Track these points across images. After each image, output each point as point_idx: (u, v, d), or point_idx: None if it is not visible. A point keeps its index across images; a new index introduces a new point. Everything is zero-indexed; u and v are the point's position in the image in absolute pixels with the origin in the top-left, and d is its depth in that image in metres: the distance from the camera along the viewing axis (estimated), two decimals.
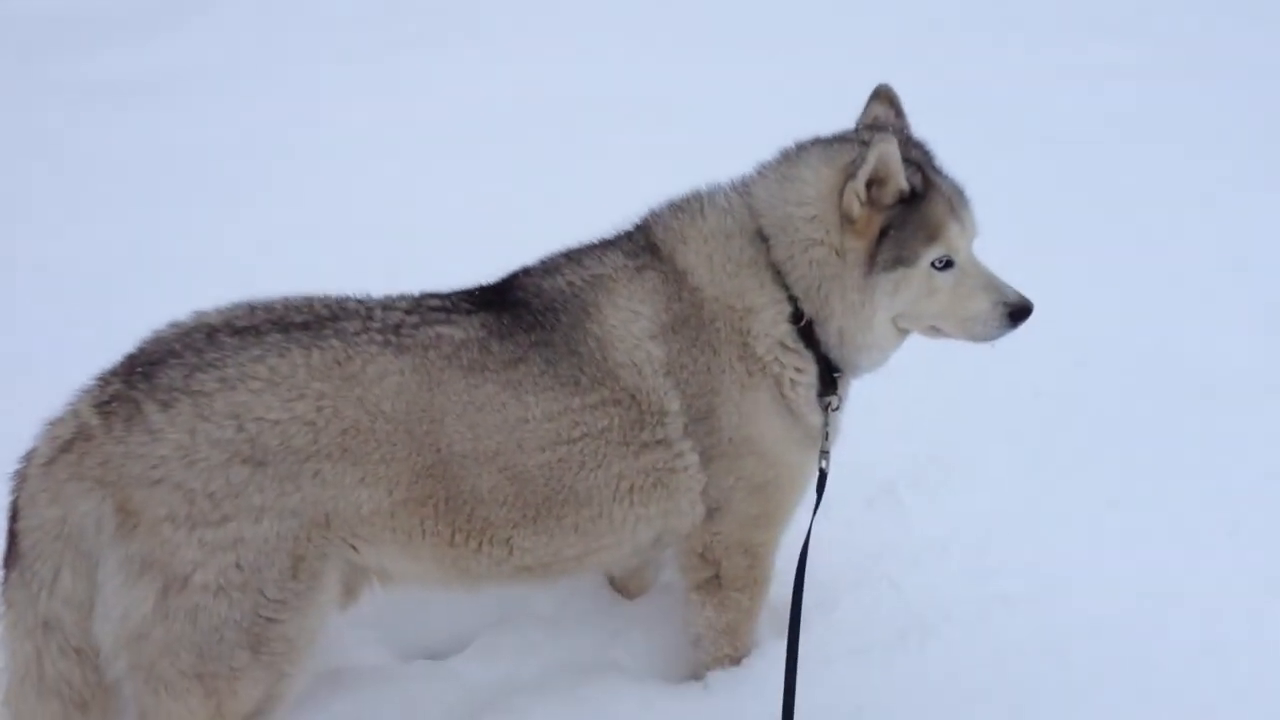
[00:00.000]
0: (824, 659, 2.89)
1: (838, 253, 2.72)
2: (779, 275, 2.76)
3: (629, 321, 2.68)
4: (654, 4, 9.57)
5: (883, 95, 2.97)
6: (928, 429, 3.94)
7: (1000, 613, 3.19)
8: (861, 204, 2.67)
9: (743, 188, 2.87)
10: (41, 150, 6.34)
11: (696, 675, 3.03)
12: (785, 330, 2.76)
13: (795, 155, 2.86)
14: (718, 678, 2.96)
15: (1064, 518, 3.58)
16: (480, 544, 2.63)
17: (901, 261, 2.70)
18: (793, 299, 2.75)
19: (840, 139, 2.86)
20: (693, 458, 2.73)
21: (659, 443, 2.69)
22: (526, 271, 2.82)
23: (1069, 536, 3.50)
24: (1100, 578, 3.32)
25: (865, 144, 2.69)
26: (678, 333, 2.70)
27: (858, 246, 2.71)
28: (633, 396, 2.66)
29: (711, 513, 2.81)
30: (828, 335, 2.78)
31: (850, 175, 2.67)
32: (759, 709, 2.83)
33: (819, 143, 2.87)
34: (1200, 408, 4.11)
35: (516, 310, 2.68)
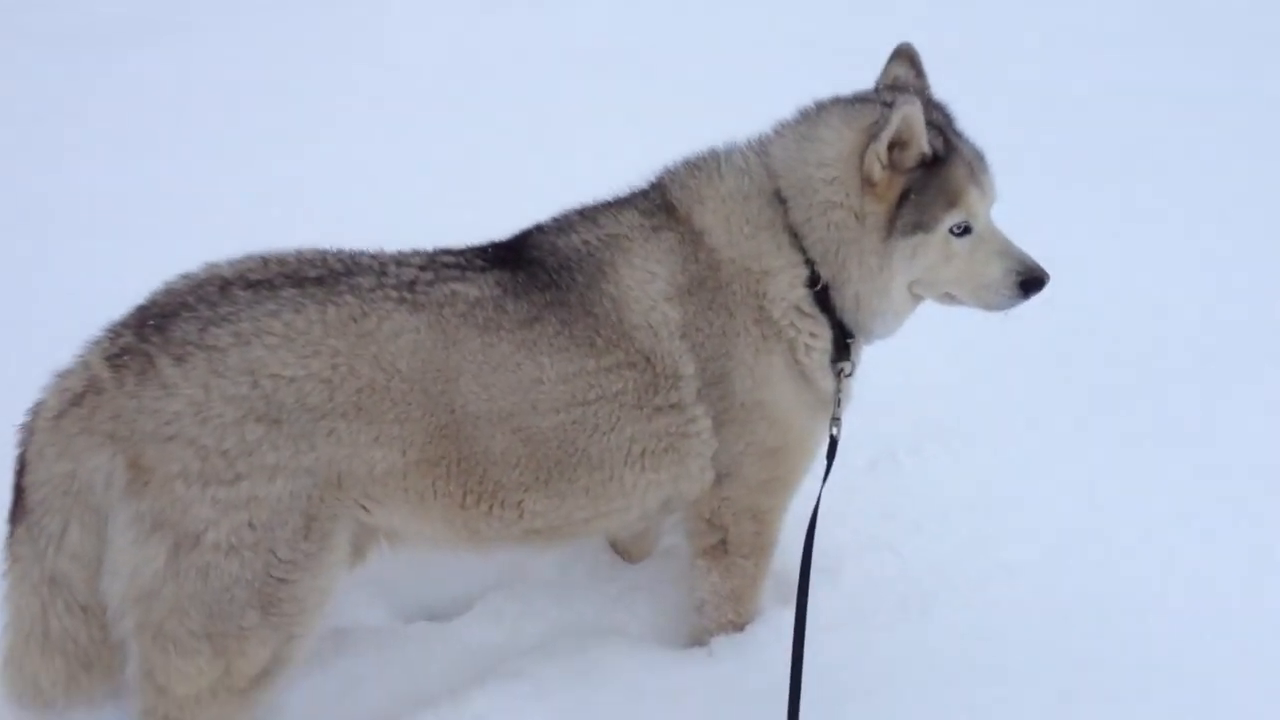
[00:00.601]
0: (826, 626, 2.88)
1: (857, 216, 2.69)
2: (796, 238, 2.73)
3: (645, 282, 2.65)
4: None
5: (903, 54, 2.94)
6: (929, 396, 3.94)
7: (1001, 580, 3.21)
8: (883, 167, 2.64)
9: (760, 148, 2.83)
10: (28, 96, 6.21)
11: (700, 641, 3.03)
12: (801, 294, 2.74)
13: (815, 115, 2.82)
14: (722, 644, 2.96)
15: (1065, 485, 3.60)
16: (491, 506, 2.61)
17: (920, 227, 2.68)
18: (809, 262, 2.73)
19: (861, 99, 2.82)
20: (705, 422, 2.71)
21: (672, 407, 2.67)
22: (540, 229, 2.78)
23: (1070, 504, 3.52)
24: (1101, 546, 3.34)
25: (888, 105, 2.67)
26: (694, 295, 2.67)
27: (877, 210, 2.68)
28: (647, 359, 2.63)
29: (721, 478, 2.80)
30: (844, 300, 2.76)
31: (872, 137, 2.63)
32: (763, 676, 2.83)
33: (839, 103, 2.83)
34: (1200, 375, 4.14)
35: (531, 269, 2.64)
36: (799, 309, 2.74)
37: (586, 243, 2.69)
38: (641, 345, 2.63)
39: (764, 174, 2.77)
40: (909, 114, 2.57)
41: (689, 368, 2.66)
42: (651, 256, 2.68)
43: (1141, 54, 7.54)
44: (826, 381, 2.80)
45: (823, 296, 2.75)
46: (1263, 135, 6.35)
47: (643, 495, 2.74)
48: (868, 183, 2.67)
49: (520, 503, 2.63)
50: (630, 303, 2.63)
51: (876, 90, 2.89)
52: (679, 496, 2.82)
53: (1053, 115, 6.54)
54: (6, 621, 2.48)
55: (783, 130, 2.85)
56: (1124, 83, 7.05)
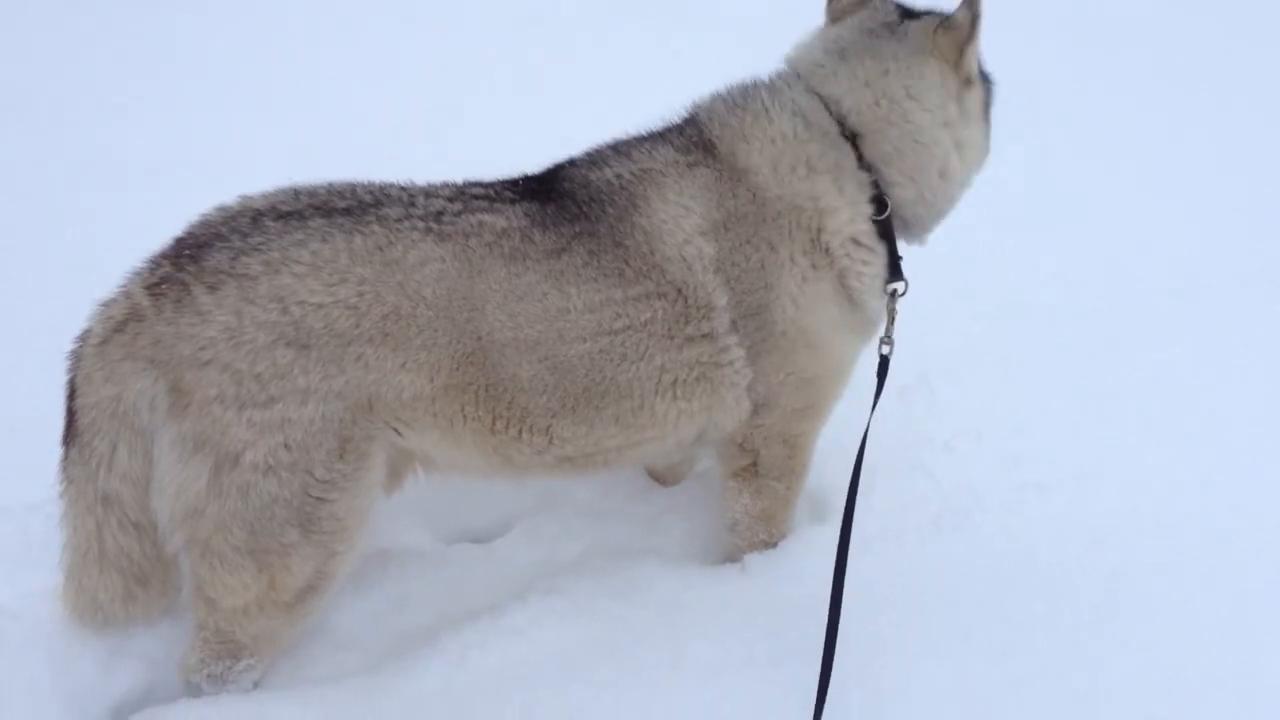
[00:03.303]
0: (859, 542, 2.87)
1: (960, 120, 2.78)
2: (866, 173, 2.74)
3: (680, 217, 2.65)
4: None
5: None
6: (960, 320, 3.94)
7: (1033, 500, 3.22)
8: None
9: (810, 85, 2.79)
10: (95, 52, 6.28)
11: (733, 558, 3.08)
12: (864, 228, 2.76)
13: (873, 48, 2.76)
14: (755, 560, 3.01)
15: (1096, 407, 3.59)
16: (520, 431, 2.64)
17: (989, 102, 2.87)
18: (876, 197, 2.75)
19: (886, 24, 2.79)
20: (739, 353, 2.72)
21: (704, 336, 2.68)
22: (572, 163, 2.78)
23: (1100, 426, 3.51)
24: (1132, 467, 3.34)
25: (911, 15, 2.78)
26: (730, 230, 2.67)
27: (975, 100, 2.81)
28: (678, 290, 2.64)
29: (758, 408, 2.82)
30: (918, 212, 2.84)
31: (968, 39, 2.71)
32: (794, 591, 2.90)
33: (885, 30, 2.78)
34: (1243, 296, 4.12)
35: (561, 201, 2.65)
36: (857, 241, 2.76)
37: (619, 176, 2.69)
38: (673, 277, 2.63)
39: (824, 115, 2.75)
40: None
41: (722, 299, 2.67)
42: (686, 192, 2.67)
43: None
44: (877, 303, 2.83)
45: (885, 222, 2.77)
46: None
47: (675, 425, 2.76)
48: (967, 82, 2.75)
49: (549, 428, 2.66)
50: (664, 235, 2.64)
51: (870, 8, 2.85)
52: (715, 427, 2.83)
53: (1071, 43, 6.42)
54: (65, 540, 2.58)
55: (838, 68, 2.78)
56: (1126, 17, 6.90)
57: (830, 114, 2.75)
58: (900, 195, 2.78)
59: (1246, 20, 6.66)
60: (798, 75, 2.83)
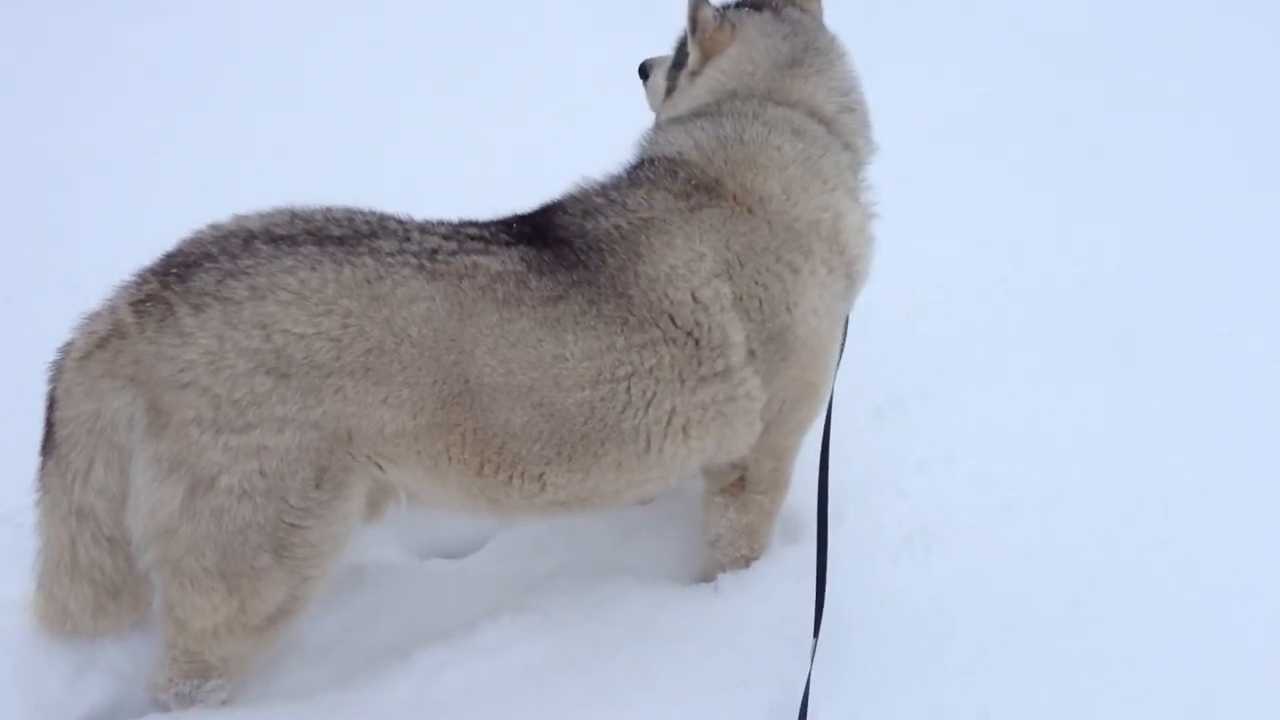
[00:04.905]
0: (832, 563, 2.90)
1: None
2: (850, 153, 2.87)
3: (692, 262, 2.61)
4: None
5: None
6: (935, 340, 3.96)
7: (1005, 521, 3.25)
8: None
9: (790, 100, 2.84)
10: (60, 56, 6.22)
11: (707, 577, 3.09)
12: (868, 221, 2.87)
13: (825, 46, 2.96)
14: (727, 580, 3.02)
15: (1068, 428, 3.62)
16: (510, 477, 2.60)
17: None
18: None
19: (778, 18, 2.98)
20: (755, 381, 2.69)
21: (717, 375, 2.64)
22: (563, 209, 2.71)
23: (1070, 447, 3.54)
24: (1103, 487, 3.38)
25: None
26: (746, 265, 2.64)
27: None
28: (688, 334, 2.59)
29: (767, 426, 2.81)
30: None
31: None
32: (765, 611, 2.92)
33: (807, 26, 2.98)
34: (1206, 315, 4.17)
35: (558, 248, 2.60)
36: (862, 230, 2.84)
37: (618, 227, 2.63)
38: (684, 322, 2.59)
39: (821, 129, 2.81)
40: None
41: (739, 335, 2.64)
42: (694, 236, 2.63)
43: None
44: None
45: None
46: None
47: (683, 463, 2.74)
48: None
49: (542, 475, 2.62)
50: (674, 282, 2.59)
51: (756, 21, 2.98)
52: (725, 456, 2.82)
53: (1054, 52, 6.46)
54: (38, 549, 2.56)
55: (807, 75, 2.89)
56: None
57: (827, 127, 2.83)
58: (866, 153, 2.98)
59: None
60: (768, 93, 2.86)
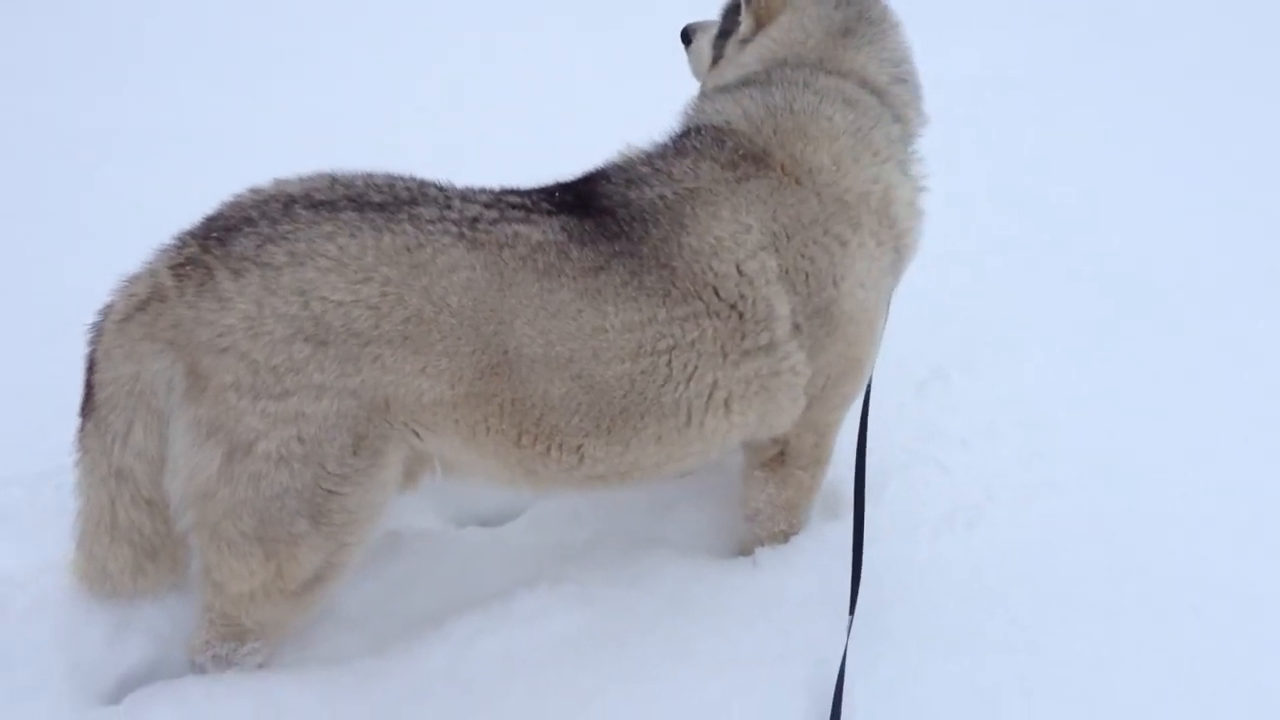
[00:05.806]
0: (872, 538, 2.90)
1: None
2: (900, 125, 2.83)
3: (738, 234, 2.57)
4: None
5: None
6: (978, 314, 3.92)
7: (1047, 497, 3.22)
8: None
9: (843, 71, 2.80)
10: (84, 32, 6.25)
11: (745, 551, 3.07)
12: (920, 194, 2.83)
13: (876, 17, 2.90)
14: (766, 554, 3.00)
15: (1113, 402, 3.58)
16: (549, 448, 2.58)
17: None
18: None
19: None
20: (799, 356, 2.66)
21: (761, 349, 2.61)
22: (607, 178, 2.67)
23: (1115, 423, 3.50)
24: (1147, 464, 3.33)
25: None
26: (793, 237, 2.61)
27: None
28: (732, 307, 2.56)
29: (810, 401, 2.78)
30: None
31: None
32: (804, 585, 2.90)
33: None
34: (1255, 283, 4.12)
35: (600, 218, 2.56)
36: (912, 204, 2.80)
37: (663, 197, 2.60)
38: (728, 295, 2.56)
39: (873, 100, 2.77)
40: None
41: (784, 309, 2.61)
42: (741, 208, 2.60)
43: None
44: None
45: None
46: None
47: (724, 438, 2.71)
48: None
49: (580, 447, 2.60)
50: (719, 254, 2.55)
51: None
52: (768, 430, 2.79)
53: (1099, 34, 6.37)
54: (78, 509, 2.57)
55: (860, 45, 2.85)
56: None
57: (880, 98, 2.79)
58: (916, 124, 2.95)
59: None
60: (830, 61, 2.81)
